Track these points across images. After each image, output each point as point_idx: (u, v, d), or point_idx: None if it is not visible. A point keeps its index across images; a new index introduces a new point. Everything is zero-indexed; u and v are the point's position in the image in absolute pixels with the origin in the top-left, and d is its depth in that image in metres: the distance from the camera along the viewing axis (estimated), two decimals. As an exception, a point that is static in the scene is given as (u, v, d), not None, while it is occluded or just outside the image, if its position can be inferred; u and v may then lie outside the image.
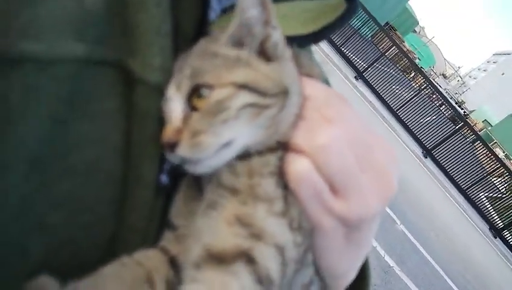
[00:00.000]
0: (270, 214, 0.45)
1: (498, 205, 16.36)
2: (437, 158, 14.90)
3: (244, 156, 0.47)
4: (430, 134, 15.13)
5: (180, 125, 0.46)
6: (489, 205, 15.98)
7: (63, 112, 0.42)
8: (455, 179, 14.96)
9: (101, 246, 0.48)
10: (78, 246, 0.46)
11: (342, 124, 0.47)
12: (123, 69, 0.45)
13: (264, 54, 0.49)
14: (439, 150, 14.91)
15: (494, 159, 15.33)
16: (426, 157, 14.66)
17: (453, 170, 14.99)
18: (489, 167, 15.85)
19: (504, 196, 16.51)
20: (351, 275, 0.54)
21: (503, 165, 15.30)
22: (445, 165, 14.92)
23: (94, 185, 0.46)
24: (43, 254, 0.44)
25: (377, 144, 0.49)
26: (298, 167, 0.45)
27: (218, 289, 0.40)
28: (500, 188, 16.87)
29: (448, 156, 14.93)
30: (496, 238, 14.96)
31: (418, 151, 14.47)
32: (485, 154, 15.61)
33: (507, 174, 15.37)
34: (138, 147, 0.47)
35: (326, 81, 0.66)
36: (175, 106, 0.47)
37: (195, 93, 0.46)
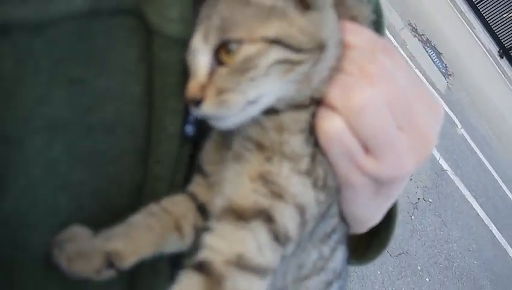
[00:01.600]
0: (295, 172, 0.44)
1: None
2: (514, 58, 13.68)
3: (273, 111, 0.45)
4: (510, 31, 13.70)
5: (205, 81, 0.43)
6: None
7: (79, 71, 0.42)
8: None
9: (128, 196, 0.48)
10: (106, 197, 0.47)
11: (383, 81, 0.44)
12: (141, 17, 0.44)
13: (304, 3, 0.44)
14: (519, 49, 13.60)
15: None
16: (502, 58, 13.48)
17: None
18: None
19: None
20: (377, 219, 0.55)
21: None
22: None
23: (117, 140, 0.46)
24: (73, 209, 0.45)
25: (420, 100, 0.48)
26: (330, 125, 0.44)
27: (234, 244, 0.42)
28: None
29: (528, 57, 13.63)
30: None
31: (494, 49, 13.30)
32: None
33: None
34: (160, 98, 0.46)
35: (378, 24, 0.59)
36: (201, 59, 0.43)
37: (223, 47, 0.43)
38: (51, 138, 0.42)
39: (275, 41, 0.42)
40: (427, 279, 3.82)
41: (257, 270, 0.42)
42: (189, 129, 0.50)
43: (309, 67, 0.44)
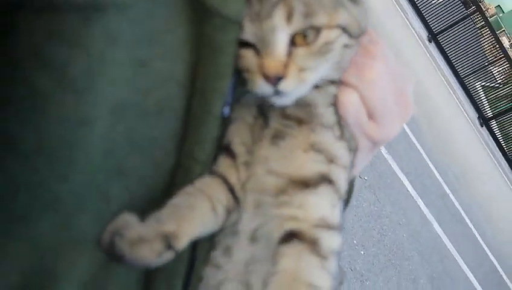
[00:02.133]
0: (336, 139, 0.52)
1: (491, 94, 16.53)
2: (441, 44, 14.53)
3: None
4: (439, 17, 14.48)
5: (286, 60, 0.47)
6: (482, 94, 16.14)
7: (146, 52, 0.42)
8: (455, 66, 14.80)
9: (166, 180, 0.49)
10: (151, 183, 0.48)
11: (383, 59, 0.55)
12: None
13: None
14: (445, 35, 14.45)
15: (497, 47, 14.99)
16: (431, 42, 14.27)
17: (454, 57, 14.75)
18: (492, 55, 15.61)
19: (499, 86, 16.60)
20: (359, 171, 0.64)
21: (506, 54, 15.03)
22: (448, 52, 14.61)
23: (165, 123, 0.47)
24: (123, 196, 0.46)
25: (401, 72, 0.58)
26: (348, 98, 0.53)
27: (314, 210, 0.48)
28: (496, 79, 16.87)
29: (453, 43, 14.53)
30: (482, 127, 15.42)
31: (424, 34, 14.03)
32: (489, 42, 15.21)
33: (507, 64, 15.19)
34: (208, 81, 0.47)
35: None
36: (282, 38, 0.47)
37: (304, 30, 0.47)
38: (113, 122, 0.42)
39: (343, 28, 0.49)
40: (362, 252, 4.03)
41: (336, 227, 0.48)
42: (227, 110, 0.51)
43: (353, 52, 0.53)
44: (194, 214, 0.48)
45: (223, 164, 0.53)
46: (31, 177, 0.42)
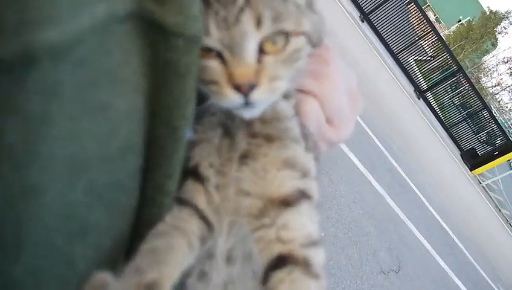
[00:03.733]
0: (305, 151, 0.50)
1: (424, 68, 17.41)
2: (373, 22, 15.03)
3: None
4: (368, -3, 14.97)
5: (257, 67, 0.45)
6: (416, 68, 16.94)
7: (105, 94, 0.36)
8: (389, 43, 15.40)
9: (132, 221, 0.45)
10: (118, 233, 0.44)
11: (334, 62, 0.56)
12: (147, 19, 0.37)
13: (310, 4, 0.50)
14: (376, 14, 14.97)
15: (425, 22, 15.75)
16: (363, 22, 14.72)
17: (387, 35, 15.34)
18: (420, 30, 16.38)
19: (430, 59, 17.51)
20: None
21: (433, 28, 15.83)
22: (381, 30, 15.16)
23: (128, 166, 0.42)
24: (90, 254, 0.41)
25: (345, 70, 0.60)
26: (309, 106, 0.54)
27: (299, 229, 0.46)
28: (427, 52, 17.76)
29: (384, 21, 15.10)
30: (419, 99, 16.22)
31: (356, 15, 14.43)
32: (417, 18, 15.93)
33: (435, 37, 16.01)
34: (174, 109, 0.42)
35: None
36: (252, 44, 0.44)
37: (273, 36, 0.45)
38: (71, 182, 0.37)
39: (307, 35, 0.48)
40: (322, 233, 4.08)
41: (320, 242, 0.47)
42: (189, 134, 0.48)
43: (309, 60, 0.51)
44: (173, 255, 0.44)
45: (191, 189, 0.49)
46: None
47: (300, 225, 0.46)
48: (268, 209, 0.46)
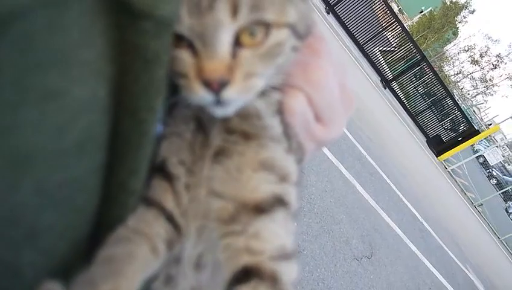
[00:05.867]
0: (285, 152, 0.45)
1: (389, 58, 17.76)
2: (338, 14, 15.20)
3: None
4: (332, -11, 15.12)
5: (231, 62, 0.39)
6: (381, 59, 17.27)
7: (53, 82, 0.31)
8: (354, 34, 15.61)
9: (92, 223, 0.40)
10: (75, 236, 0.39)
11: (326, 56, 0.50)
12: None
13: None
14: (341, 6, 15.14)
15: (389, 13, 16.05)
16: (329, 14, 14.85)
17: (352, 27, 15.55)
18: (385, 21, 16.69)
19: (395, 49, 17.88)
20: None
21: (397, 19, 16.16)
22: (346, 22, 15.35)
23: (87, 161, 0.36)
24: (39, 262, 0.37)
25: (338, 65, 0.53)
26: (295, 102, 0.47)
27: (270, 239, 0.41)
28: (391, 42, 18.13)
29: (349, 12, 15.30)
30: (385, 89, 16.55)
31: (321, 6, 14.55)
32: (381, 9, 16.22)
33: (399, 28, 16.35)
34: (141, 99, 0.37)
35: None
36: (226, 36, 0.38)
37: (252, 26, 0.39)
38: (15, 180, 0.32)
39: (292, 27, 0.42)
40: (295, 223, 4.10)
41: (293, 255, 0.42)
42: (160, 128, 0.44)
43: (297, 54, 0.45)
44: (132, 264, 0.39)
45: (158, 188, 0.44)
46: None
47: (273, 235, 0.41)
48: (240, 214, 0.42)
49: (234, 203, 0.42)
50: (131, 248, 0.40)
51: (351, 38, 15.61)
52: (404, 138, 14.25)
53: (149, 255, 0.41)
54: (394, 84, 17.33)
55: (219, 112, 0.42)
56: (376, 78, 15.94)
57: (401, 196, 8.26)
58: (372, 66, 16.46)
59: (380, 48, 17.60)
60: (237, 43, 0.39)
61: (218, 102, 0.41)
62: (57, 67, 0.31)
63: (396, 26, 16.32)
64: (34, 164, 0.32)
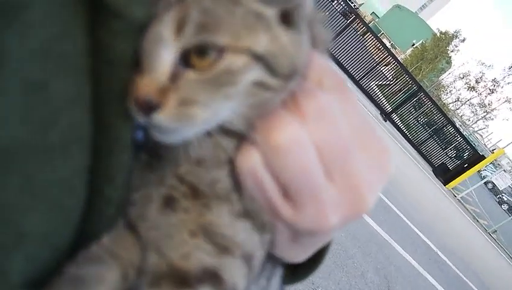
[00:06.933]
0: (235, 216, 0.38)
1: (386, 91, 18.04)
2: (332, 52, 15.58)
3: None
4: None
5: (165, 83, 0.34)
6: (379, 92, 17.54)
7: (39, 71, 0.31)
8: (349, 70, 15.94)
9: (76, 228, 0.38)
10: (59, 242, 0.36)
11: (318, 122, 0.38)
12: None
13: (286, 18, 0.37)
14: (334, 44, 15.54)
15: (382, 49, 16.47)
16: (323, 53, 15.21)
17: (346, 63, 15.91)
18: (378, 57, 17.10)
19: (391, 82, 18.21)
20: (301, 259, 0.48)
21: (390, 53, 16.56)
22: (340, 59, 15.72)
23: (72, 162, 0.35)
24: (25, 271, 0.34)
25: (366, 151, 0.42)
26: (245, 159, 0.38)
27: None
28: (387, 76, 18.49)
29: (342, 50, 15.69)
30: (385, 121, 16.68)
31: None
32: (374, 46, 16.66)
33: (393, 62, 16.72)
34: (111, 102, 0.35)
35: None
36: (165, 53, 0.34)
37: (198, 48, 0.34)
38: (2, 174, 0.30)
39: (260, 58, 0.35)
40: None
41: None
42: (140, 135, 0.40)
43: (273, 96, 0.37)
44: (100, 289, 0.36)
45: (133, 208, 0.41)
46: None
47: None
48: (163, 281, 0.36)
49: (166, 263, 0.37)
50: (102, 270, 0.36)
51: (346, 74, 15.92)
52: (410, 169, 14.18)
53: (119, 281, 0.37)
54: (394, 116, 17.50)
55: (160, 137, 0.37)
56: (375, 112, 16.10)
57: (412, 227, 8.14)
58: (370, 100, 16.67)
59: (376, 82, 17.92)
60: (186, 63, 0.35)
61: (153, 126, 0.36)
62: (39, 59, 0.31)
63: (391, 60, 16.72)
64: (20, 159, 0.31)
